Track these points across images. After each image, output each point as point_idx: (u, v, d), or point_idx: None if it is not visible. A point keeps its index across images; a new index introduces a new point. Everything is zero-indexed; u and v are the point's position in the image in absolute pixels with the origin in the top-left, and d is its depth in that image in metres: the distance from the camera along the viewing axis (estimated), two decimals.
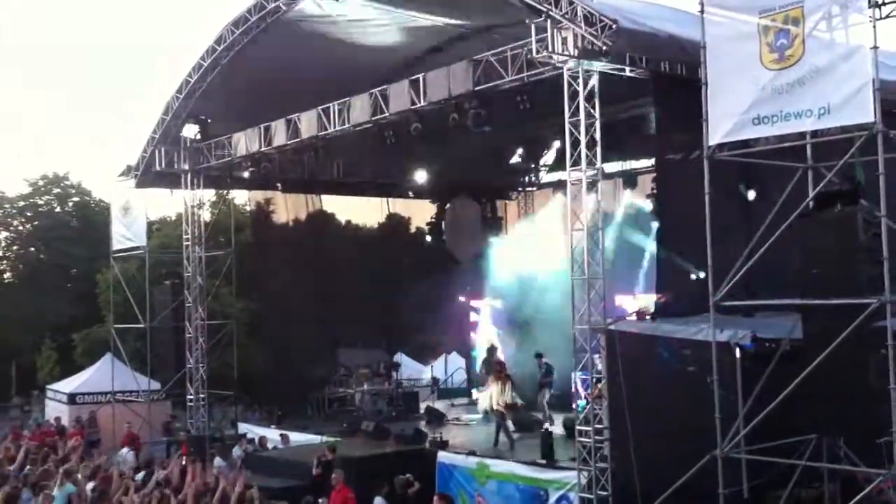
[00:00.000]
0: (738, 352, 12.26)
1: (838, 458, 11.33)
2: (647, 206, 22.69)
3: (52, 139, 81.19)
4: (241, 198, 30.81)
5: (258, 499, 12.86)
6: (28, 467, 15.24)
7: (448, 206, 29.24)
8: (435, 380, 28.37)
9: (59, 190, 47.62)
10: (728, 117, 11.56)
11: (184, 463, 16.66)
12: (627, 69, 14.48)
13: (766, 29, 11.18)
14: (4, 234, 48.42)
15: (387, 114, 17.92)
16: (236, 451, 19.53)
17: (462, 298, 27.14)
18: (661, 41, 14.48)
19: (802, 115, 10.93)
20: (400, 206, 29.45)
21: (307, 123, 19.65)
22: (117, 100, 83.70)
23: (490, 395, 19.44)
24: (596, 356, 14.29)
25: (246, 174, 22.76)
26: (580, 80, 14.06)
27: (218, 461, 17.97)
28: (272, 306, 26.96)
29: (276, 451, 19.54)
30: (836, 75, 10.64)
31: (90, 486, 13.64)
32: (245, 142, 21.47)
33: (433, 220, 29.45)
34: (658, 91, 15.21)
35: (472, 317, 27.09)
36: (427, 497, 14.10)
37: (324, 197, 27.41)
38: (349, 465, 15.63)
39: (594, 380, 14.39)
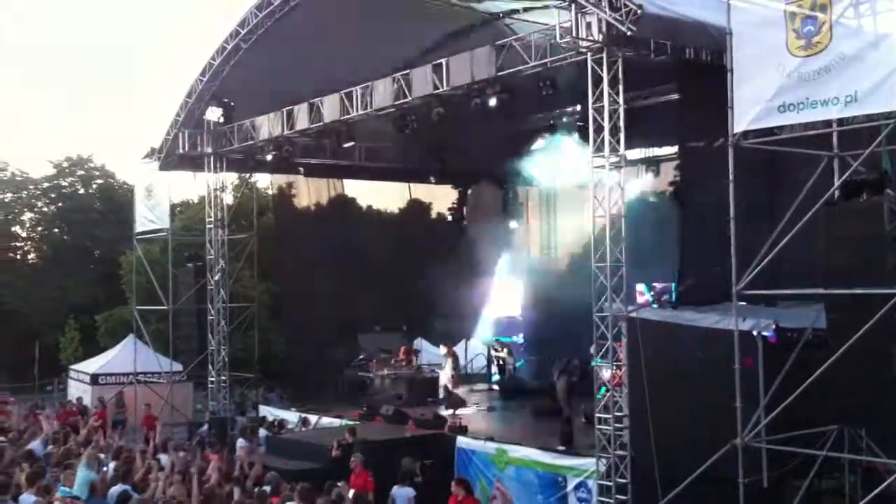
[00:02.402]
0: (760, 341, 12.18)
1: (859, 449, 11.26)
2: (670, 192, 22.56)
3: (75, 122, 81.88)
4: (264, 181, 30.92)
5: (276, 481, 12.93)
6: (50, 446, 15.38)
7: (470, 191, 29.19)
8: None
9: (83, 172, 47.96)
10: (753, 104, 11.45)
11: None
12: (652, 55, 14.36)
13: (793, 15, 11.06)
14: (29, 215, 48.86)
15: (409, 98, 17.90)
16: (262, 433, 19.62)
17: (483, 284, 27.09)
18: (686, 27, 14.34)
19: (829, 103, 10.81)
20: (421, 191, 29.42)
21: (330, 107, 19.66)
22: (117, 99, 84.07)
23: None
24: (616, 344, 14.24)
25: (268, 158, 22.79)
26: (604, 66, 13.96)
27: (241, 442, 18.08)
28: (293, 290, 27.05)
29: (296, 433, 19.64)
30: (863, 63, 10.51)
31: (112, 465, 13.75)
32: (268, 125, 21.52)
33: (455, 205, 29.42)
34: (683, 77, 15.10)
35: (493, 302, 27.03)
36: (446, 481, 14.15)
37: (345, 181, 27.45)
38: (368, 448, 15.69)
39: (614, 367, 14.35)
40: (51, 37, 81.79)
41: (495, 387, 24.87)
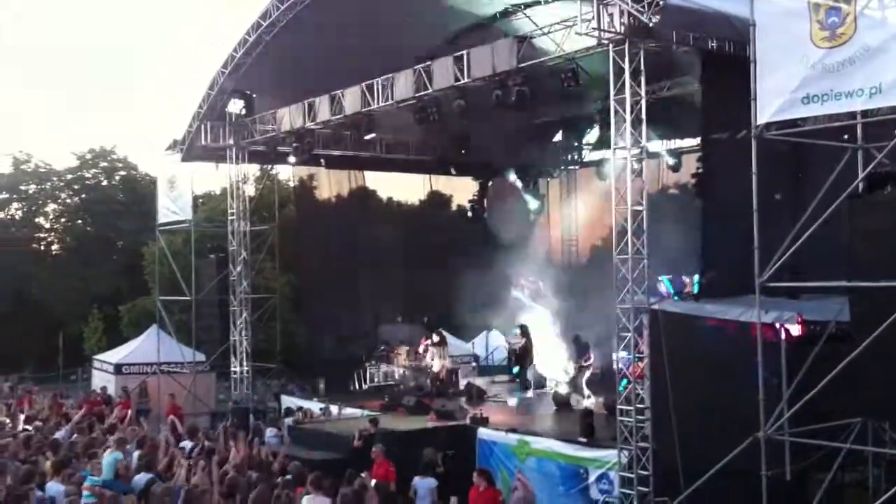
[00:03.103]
0: (783, 333, 12.14)
1: (883, 442, 11.22)
2: (691, 184, 22.50)
3: (98, 112, 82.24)
4: (285, 173, 31.04)
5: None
6: (76, 435, 15.55)
7: (490, 183, 29.19)
8: (475, 357, 28.45)
9: (106, 163, 48.25)
10: (777, 96, 11.39)
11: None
12: (675, 46, 14.31)
13: (817, 7, 10.99)
14: (53, 206, 49.20)
15: (430, 90, 17.92)
16: (288, 422, 19.73)
17: (503, 276, 27.09)
18: (709, 18, 14.29)
19: (853, 95, 10.74)
20: (442, 183, 29.48)
21: (351, 99, 19.71)
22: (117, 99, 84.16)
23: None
24: (638, 336, 14.23)
25: (290, 150, 22.88)
26: (626, 58, 13.93)
27: (270, 431, 18.21)
28: (314, 281, 27.18)
29: (318, 424, 19.75)
30: (888, 54, 10.44)
31: (136, 454, 13.89)
32: (289, 117, 21.60)
33: (475, 197, 29.43)
34: (705, 69, 15.02)
35: (513, 294, 27.03)
36: (467, 472, 14.20)
37: (366, 173, 27.52)
38: (390, 439, 15.77)
39: (636, 359, 14.35)
40: (51, 37, 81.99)
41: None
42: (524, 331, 24.13)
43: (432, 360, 23.52)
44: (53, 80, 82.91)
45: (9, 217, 48.44)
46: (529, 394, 22.27)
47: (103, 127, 77.92)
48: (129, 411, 19.89)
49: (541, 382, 22.93)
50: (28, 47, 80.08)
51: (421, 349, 24.40)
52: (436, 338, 23.98)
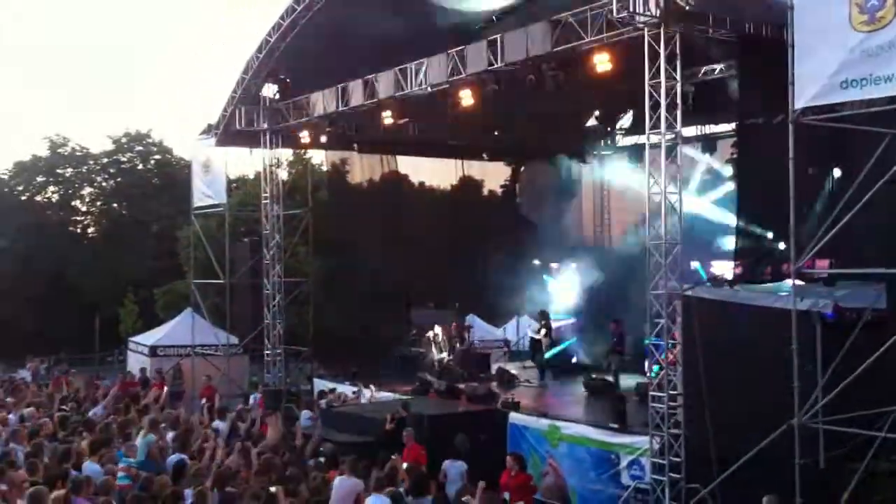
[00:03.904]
0: (818, 321, 12.04)
1: None
2: (726, 170, 22.32)
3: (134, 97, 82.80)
4: (318, 157, 31.16)
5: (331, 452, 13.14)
6: (111, 416, 15.76)
7: (522, 168, 29.12)
8: (506, 342, 28.49)
9: (141, 147, 48.75)
10: (814, 80, 11.26)
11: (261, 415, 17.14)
12: (711, 30, 14.16)
13: None
14: (89, 189, 49.83)
15: (464, 75, 17.86)
16: (323, 404, 19.89)
17: (535, 261, 27.09)
18: (746, 1, 14.11)
19: (893, 79, 10.59)
20: (474, 168, 29.42)
21: (384, 84, 19.69)
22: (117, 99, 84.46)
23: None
24: (671, 322, 14.16)
25: (323, 134, 22.95)
26: (661, 42, 13.80)
27: (305, 413, 18.35)
28: (347, 265, 27.29)
29: (351, 407, 19.87)
30: None
31: (171, 435, 14.07)
32: (322, 102, 21.63)
33: (507, 182, 29.37)
34: (742, 53, 14.86)
35: (545, 279, 27.03)
36: (498, 456, 14.24)
37: (398, 158, 27.54)
38: (421, 423, 15.83)
39: (669, 346, 14.28)
40: (51, 37, 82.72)
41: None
42: (544, 316, 24.12)
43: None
44: (53, 80, 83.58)
45: (46, 200, 49.09)
46: (549, 380, 22.23)
47: (139, 110, 78.64)
48: (163, 392, 20.12)
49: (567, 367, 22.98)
50: (28, 47, 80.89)
51: (453, 333, 24.49)
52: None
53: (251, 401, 21.55)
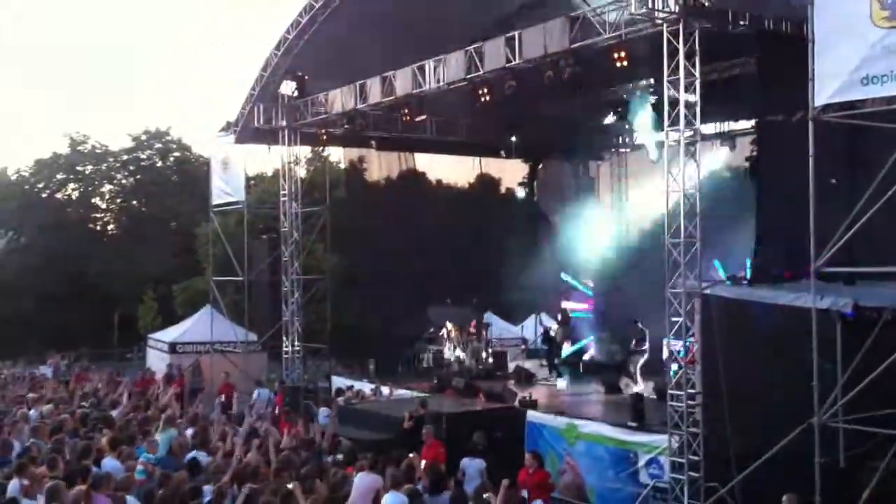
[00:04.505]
0: (838, 319, 11.94)
1: None
2: (746, 168, 22.18)
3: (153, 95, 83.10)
4: (336, 155, 31.20)
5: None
6: (130, 413, 15.84)
7: (540, 165, 29.06)
8: (524, 340, 28.45)
9: (160, 145, 48.95)
10: (835, 77, 11.16)
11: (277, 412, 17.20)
12: (730, 26, 14.09)
13: None
14: (108, 187, 50.09)
15: (481, 71, 17.84)
16: (341, 401, 19.95)
17: (553, 259, 27.02)
18: None
19: None
20: (492, 165, 29.45)
21: (402, 81, 19.71)
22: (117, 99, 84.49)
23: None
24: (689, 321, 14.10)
25: (340, 131, 23.01)
26: (680, 38, 13.74)
27: (323, 411, 18.41)
28: (364, 263, 27.36)
29: (368, 404, 19.92)
30: None
31: (190, 431, 14.13)
32: (340, 99, 21.68)
33: (525, 179, 29.32)
34: (762, 49, 14.77)
35: (563, 277, 26.97)
36: (516, 454, 14.23)
37: (416, 155, 27.55)
38: (440, 420, 15.83)
39: (687, 344, 14.23)
40: (51, 37, 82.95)
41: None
42: (564, 315, 24.08)
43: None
44: (53, 80, 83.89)
45: (66, 197, 49.39)
46: (564, 379, 22.20)
47: (158, 108, 78.95)
48: (179, 390, 20.23)
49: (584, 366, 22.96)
50: (28, 47, 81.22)
51: (472, 330, 24.49)
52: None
53: (254, 396, 21.56)
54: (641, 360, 20.16)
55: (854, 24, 10.94)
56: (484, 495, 10.37)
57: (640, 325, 20.28)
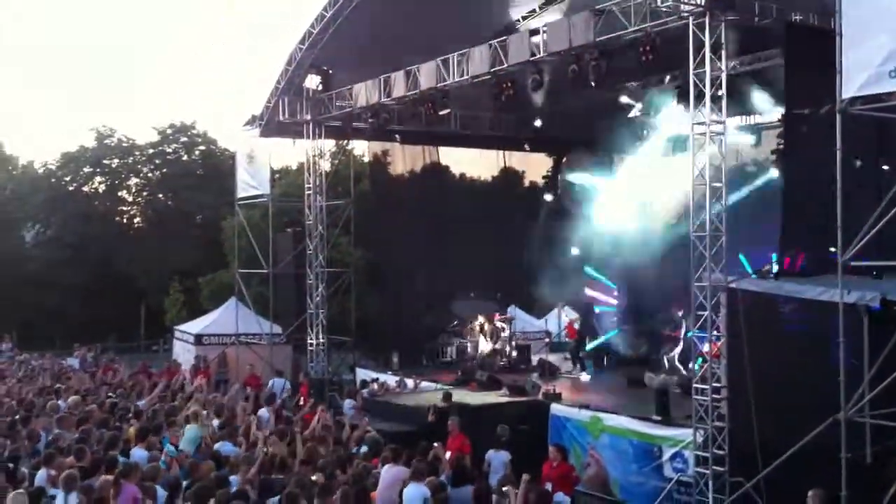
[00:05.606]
0: (865, 314, 11.85)
1: None
2: (772, 160, 22.03)
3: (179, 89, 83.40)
4: (360, 149, 31.26)
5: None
6: (157, 404, 15.99)
7: (564, 159, 28.97)
8: (548, 333, 28.42)
9: (186, 138, 49.18)
10: (863, 70, 11.07)
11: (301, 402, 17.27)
12: (757, 19, 14.00)
13: None
14: (135, 180, 50.40)
15: (506, 65, 17.82)
16: (366, 393, 20.04)
17: (577, 252, 26.95)
18: None
19: None
20: (516, 159, 29.34)
21: (426, 75, 19.72)
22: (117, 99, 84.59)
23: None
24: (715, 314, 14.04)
25: (365, 126, 23.06)
26: (706, 31, 13.67)
27: (348, 402, 18.49)
28: (388, 256, 27.43)
29: (393, 396, 19.99)
30: None
31: (216, 422, 14.26)
32: (365, 93, 21.72)
33: (549, 173, 29.25)
34: (789, 42, 14.66)
35: (587, 270, 26.89)
36: (540, 447, 14.24)
37: (440, 149, 27.55)
38: (464, 413, 15.87)
39: (713, 338, 14.18)
40: (51, 37, 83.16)
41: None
42: (588, 310, 24.03)
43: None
44: (53, 80, 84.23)
45: (93, 190, 49.78)
46: (588, 372, 22.15)
47: (183, 101, 79.24)
48: (205, 380, 20.39)
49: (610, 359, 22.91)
50: (28, 47, 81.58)
51: (497, 324, 24.51)
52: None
53: (269, 385, 21.64)
54: (677, 350, 20.02)
55: (882, 16, 10.87)
56: (504, 488, 10.39)
57: (679, 313, 20.07)
